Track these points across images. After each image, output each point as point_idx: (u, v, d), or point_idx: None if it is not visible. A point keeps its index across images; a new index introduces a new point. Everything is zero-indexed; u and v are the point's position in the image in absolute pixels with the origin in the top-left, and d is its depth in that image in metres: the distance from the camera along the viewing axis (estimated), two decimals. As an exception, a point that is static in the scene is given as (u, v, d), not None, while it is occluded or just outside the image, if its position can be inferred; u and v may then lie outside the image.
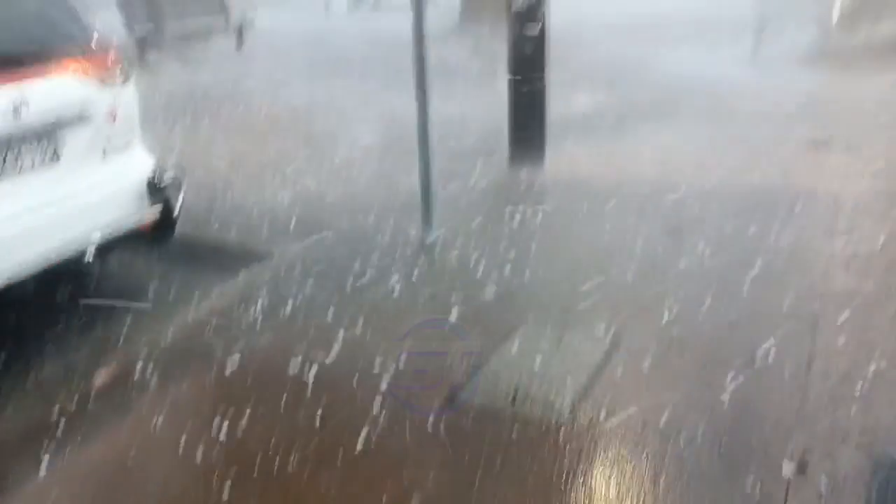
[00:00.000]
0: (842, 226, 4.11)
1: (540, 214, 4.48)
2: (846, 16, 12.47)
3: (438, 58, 10.77)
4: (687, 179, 4.98)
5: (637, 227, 4.21)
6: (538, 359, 2.88)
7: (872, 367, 2.74)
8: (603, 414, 2.54)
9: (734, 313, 3.21)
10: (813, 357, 2.83)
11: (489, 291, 3.51)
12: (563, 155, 5.61)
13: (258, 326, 3.27)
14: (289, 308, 3.42)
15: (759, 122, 6.57)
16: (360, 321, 3.24)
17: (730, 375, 2.71)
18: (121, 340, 3.25)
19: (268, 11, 17.74)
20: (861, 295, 3.32)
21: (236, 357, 2.99)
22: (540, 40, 5.22)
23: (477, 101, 7.67)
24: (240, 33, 11.34)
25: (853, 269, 3.59)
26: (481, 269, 3.75)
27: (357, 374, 2.83)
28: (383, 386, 2.75)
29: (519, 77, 5.27)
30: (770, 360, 2.82)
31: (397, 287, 3.60)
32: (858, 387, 2.63)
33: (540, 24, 5.17)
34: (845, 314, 3.13)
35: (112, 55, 3.40)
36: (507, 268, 3.73)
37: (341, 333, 3.14)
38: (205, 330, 3.26)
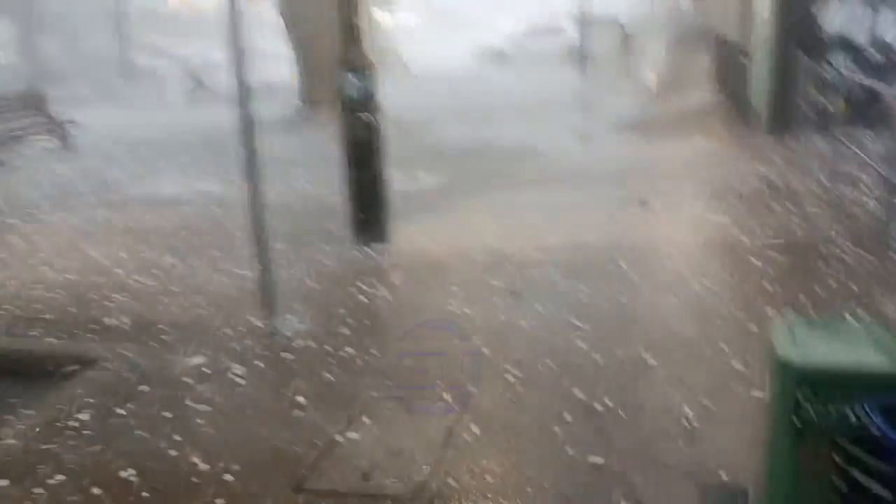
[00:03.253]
0: (665, 278, 4.41)
1: (386, 293, 4.48)
2: (661, 89, 13.97)
3: (279, 145, 10.67)
4: (526, 243, 5.20)
5: (482, 296, 4.32)
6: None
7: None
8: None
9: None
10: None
11: (332, 378, 3.44)
12: (408, 231, 5.68)
13: (86, 446, 2.98)
14: (119, 423, 3.15)
15: (588, 186, 7.02)
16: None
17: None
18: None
19: (101, 110, 17.12)
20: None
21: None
22: (375, 125, 5.32)
23: (321, 185, 7.68)
24: (62, 133, 10.81)
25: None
26: (327, 353, 3.68)
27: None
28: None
29: (355, 160, 5.34)
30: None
31: (240, 380, 3.45)
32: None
33: (374, 109, 5.28)
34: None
35: None
36: (350, 351, 3.69)
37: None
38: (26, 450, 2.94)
